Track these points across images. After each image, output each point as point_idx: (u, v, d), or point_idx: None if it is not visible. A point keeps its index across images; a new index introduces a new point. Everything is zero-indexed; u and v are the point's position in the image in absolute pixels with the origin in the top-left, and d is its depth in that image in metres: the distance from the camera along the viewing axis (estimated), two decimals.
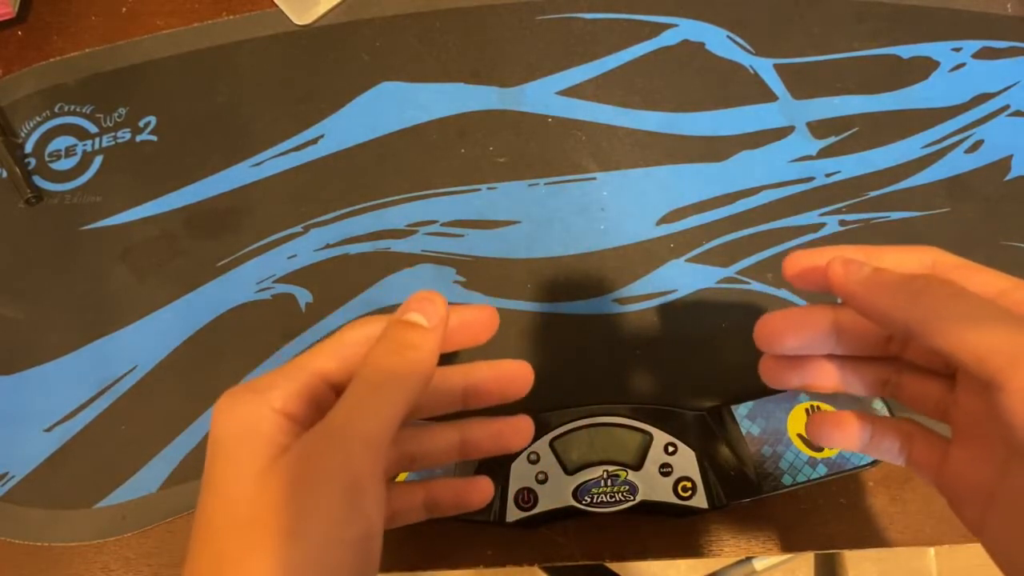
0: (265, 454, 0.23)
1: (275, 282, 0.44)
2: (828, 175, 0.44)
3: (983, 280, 0.24)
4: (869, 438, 0.27)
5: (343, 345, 0.26)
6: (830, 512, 0.39)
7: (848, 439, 0.27)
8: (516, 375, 0.29)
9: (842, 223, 0.44)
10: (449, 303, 0.27)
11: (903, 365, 0.27)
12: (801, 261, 0.27)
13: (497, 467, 0.37)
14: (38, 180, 0.46)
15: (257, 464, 0.23)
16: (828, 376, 0.28)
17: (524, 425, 0.30)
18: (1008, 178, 0.44)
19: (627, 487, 0.36)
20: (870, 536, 0.39)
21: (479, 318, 0.28)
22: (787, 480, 0.37)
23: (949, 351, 0.21)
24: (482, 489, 0.30)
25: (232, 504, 0.22)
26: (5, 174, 0.46)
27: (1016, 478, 0.22)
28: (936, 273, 0.25)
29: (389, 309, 0.43)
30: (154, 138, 0.47)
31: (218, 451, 0.23)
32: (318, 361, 0.25)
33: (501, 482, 0.37)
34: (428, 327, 0.26)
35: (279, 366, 0.25)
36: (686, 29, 0.47)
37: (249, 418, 0.23)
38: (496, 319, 0.29)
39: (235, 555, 0.21)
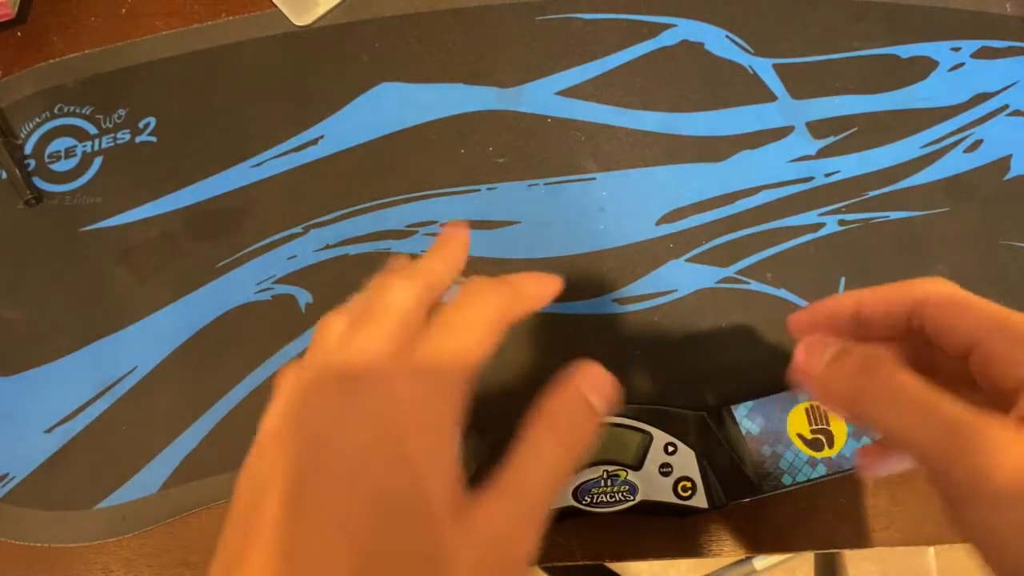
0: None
1: (275, 283, 0.44)
2: (827, 175, 0.44)
3: (966, 325, 0.24)
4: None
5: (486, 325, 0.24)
6: (830, 512, 0.39)
7: (898, 463, 0.28)
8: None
9: (841, 223, 0.44)
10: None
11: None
12: (816, 308, 0.28)
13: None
14: (38, 181, 0.46)
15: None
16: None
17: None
18: (1007, 177, 0.44)
19: (627, 487, 0.36)
20: (870, 535, 0.39)
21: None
22: (787, 480, 0.37)
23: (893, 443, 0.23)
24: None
25: None
26: (5, 175, 0.46)
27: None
28: (925, 306, 0.25)
29: None
30: (153, 139, 0.47)
31: None
32: (477, 357, 0.23)
33: None
34: (599, 414, 0.23)
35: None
36: (685, 29, 0.47)
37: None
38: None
39: None
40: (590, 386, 0.23)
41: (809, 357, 0.26)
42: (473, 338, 0.23)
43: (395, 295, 0.24)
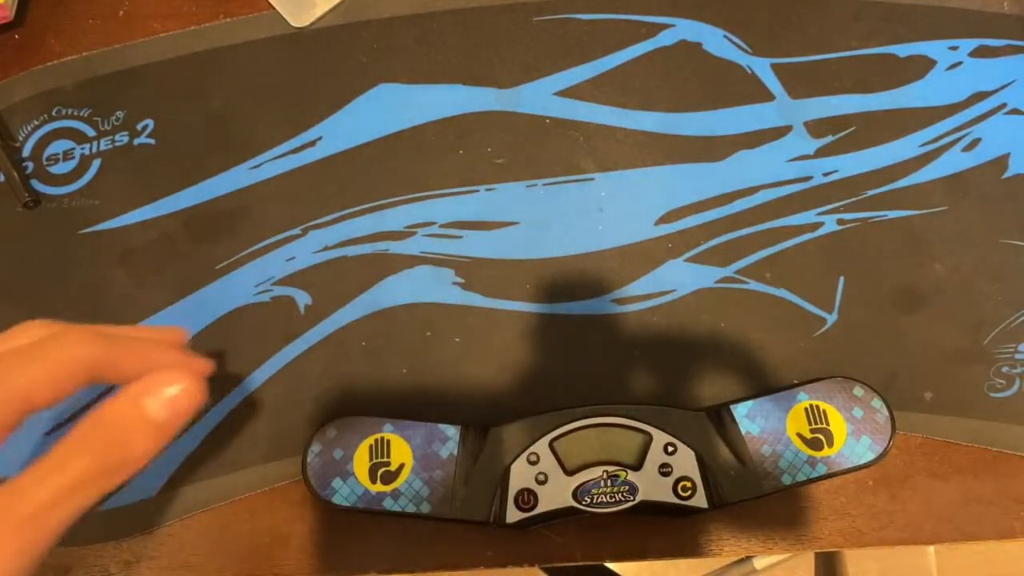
0: None
1: (274, 284, 0.44)
2: (826, 174, 0.44)
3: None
4: None
5: (59, 369, 0.23)
6: (830, 511, 0.39)
7: None
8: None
9: (840, 222, 0.44)
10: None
11: None
12: None
13: (497, 468, 0.37)
14: (36, 184, 0.46)
15: None
16: None
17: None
18: (1005, 176, 0.44)
19: (627, 487, 0.36)
20: (870, 535, 0.39)
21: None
22: (787, 479, 0.37)
23: None
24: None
25: None
26: (3, 178, 0.46)
27: None
28: None
29: (388, 311, 0.43)
30: (152, 141, 0.47)
31: None
32: (30, 387, 0.23)
33: (501, 483, 0.37)
34: (162, 423, 0.22)
35: None
36: (683, 29, 0.47)
37: None
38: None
39: None
40: (151, 390, 0.23)
41: None
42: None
43: None
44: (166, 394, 0.22)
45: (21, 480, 0.21)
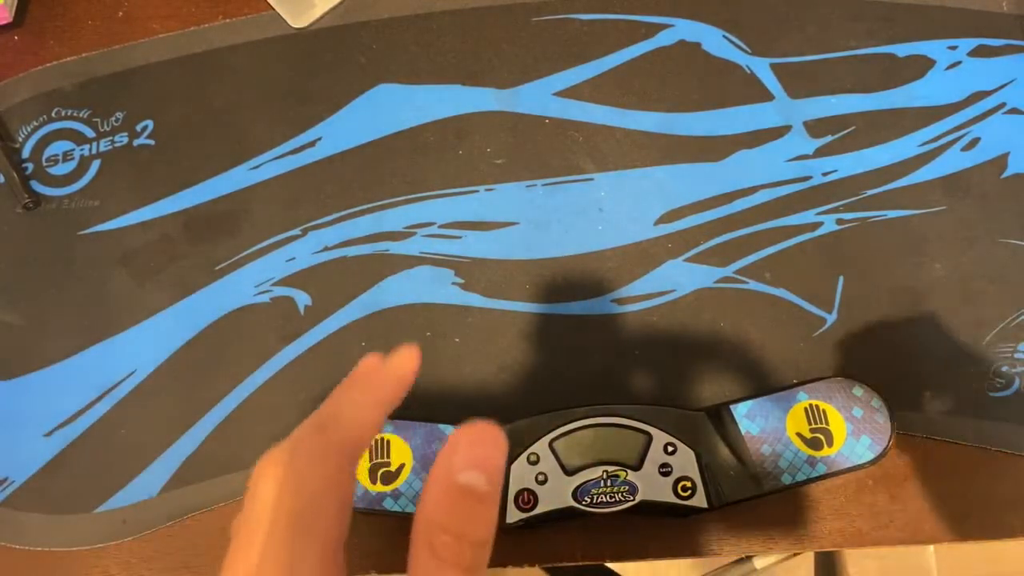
0: None
1: (274, 285, 0.44)
2: (825, 174, 0.45)
3: None
4: None
5: (369, 424, 0.23)
6: (830, 510, 0.39)
7: None
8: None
9: (839, 222, 0.44)
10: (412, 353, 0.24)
11: None
12: None
13: None
14: (36, 185, 0.46)
15: None
16: None
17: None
18: (1004, 175, 0.44)
19: (627, 487, 0.36)
20: (870, 534, 0.39)
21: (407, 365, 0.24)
22: (786, 479, 0.37)
23: None
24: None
25: None
26: (2, 179, 0.46)
27: None
28: None
29: (387, 311, 0.43)
30: (151, 142, 0.47)
31: None
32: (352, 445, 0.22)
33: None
34: (487, 491, 0.19)
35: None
36: (682, 29, 0.47)
37: None
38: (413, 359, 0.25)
39: None
40: (465, 465, 0.19)
41: None
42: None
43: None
44: (481, 459, 0.20)
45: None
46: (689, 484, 0.37)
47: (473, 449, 0.19)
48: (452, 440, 0.20)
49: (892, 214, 0.44)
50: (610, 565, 0.72)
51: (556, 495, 0.36)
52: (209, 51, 0.48)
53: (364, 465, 0.37)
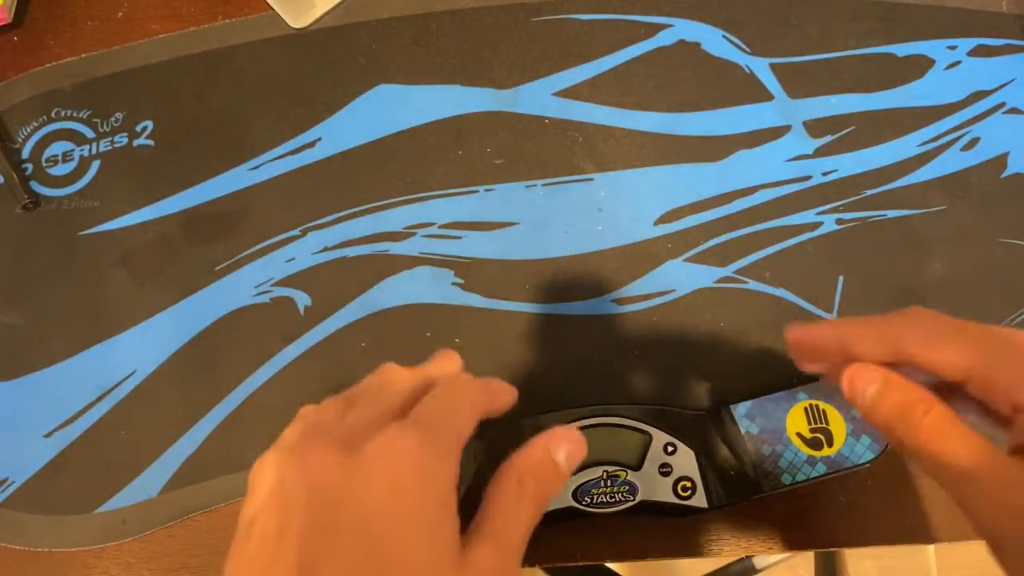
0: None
1: (273, 285, 0.44)
2: (825, 174, 0.45)
3: (950, 360, 0.26)
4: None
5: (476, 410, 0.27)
6: (830, 510, 0.39)
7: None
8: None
9: (839, 222, 0.44)
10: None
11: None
12: (801, 337, 0.31)
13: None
14: (35, 185, 0.46)
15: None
16: None
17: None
18: (1004, 175, 0.44)
19: (627, 487, 0.36)
20: (870, 534, 0.39)
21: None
22: (786, 479, 0.37)
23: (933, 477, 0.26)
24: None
25: None
26: (2, 180, 0.46)
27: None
28: (907, 345, 0.27)
29: (387, 312, 0.43)
30: (151, 142, 0.47)
31: None
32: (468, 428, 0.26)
33: None
34: (565, 472, 0.27)
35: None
36: (682, 29, 0.47)
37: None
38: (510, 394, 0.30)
39: None
40: (556, 444, 0.27)
41: (853, 389, 0.28)
42: (463, 414, 0.26)
43: (393, 375, 0.28)
44: (569, 447, 0.27)
45: (495, 533, 0.24)
46: (689, 484, 0.37)
47: (570, 442, 0.27)
48: (558, 430, 0.27)
49: (892, 214, 0.44)
50: (610, 565, 0.72)
51: (556, 495, 0.36)
52: (209, 51, 0.48)
53: None
